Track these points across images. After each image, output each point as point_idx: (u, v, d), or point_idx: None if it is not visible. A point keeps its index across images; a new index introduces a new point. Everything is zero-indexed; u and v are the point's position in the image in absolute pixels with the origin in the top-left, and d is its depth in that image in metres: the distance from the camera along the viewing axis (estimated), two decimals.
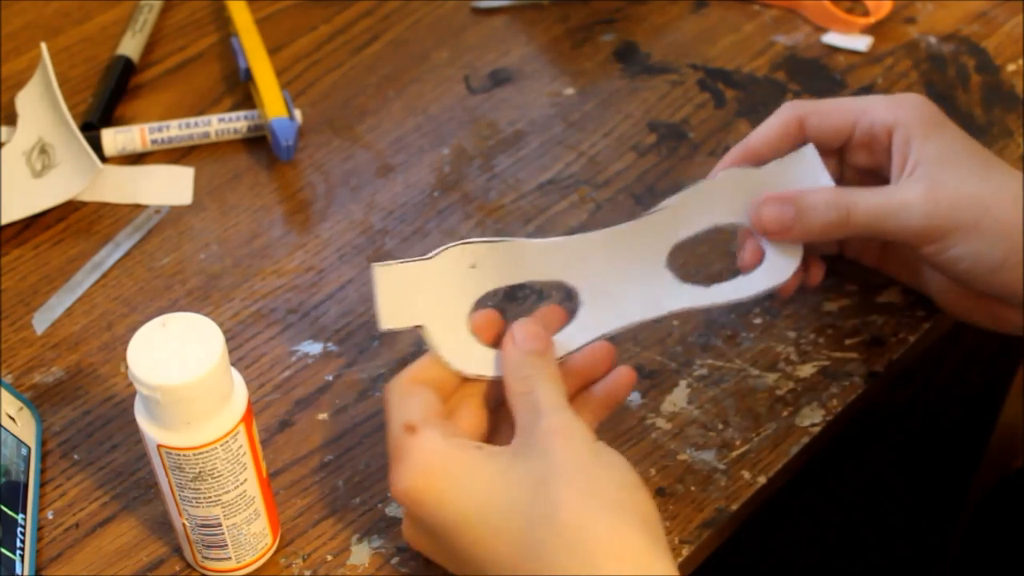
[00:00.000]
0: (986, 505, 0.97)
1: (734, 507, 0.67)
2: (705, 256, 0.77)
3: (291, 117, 0.82)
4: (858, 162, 0.71)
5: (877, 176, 0.70)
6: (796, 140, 0.70)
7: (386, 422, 0.62)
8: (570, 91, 0.87)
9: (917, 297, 0.75)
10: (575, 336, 0.66)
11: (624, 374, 0.66)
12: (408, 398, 0.62)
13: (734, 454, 0.69)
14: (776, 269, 0.68)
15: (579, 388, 0.66)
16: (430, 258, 0.64)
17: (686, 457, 0.69)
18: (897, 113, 0.68)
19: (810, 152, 0.69)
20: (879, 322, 0.74)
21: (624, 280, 0.66)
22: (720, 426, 0.70)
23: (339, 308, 0.76)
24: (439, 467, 0.59)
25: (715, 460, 0.69)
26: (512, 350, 0.63)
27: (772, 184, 0.68)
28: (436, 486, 0.59)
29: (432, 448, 0.60)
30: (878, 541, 1.06)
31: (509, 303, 0.75)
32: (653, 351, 0.73)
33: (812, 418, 0.71)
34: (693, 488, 0.68)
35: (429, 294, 0.64)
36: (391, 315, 0.63)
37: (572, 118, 0.85)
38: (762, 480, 0.68)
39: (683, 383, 0.72)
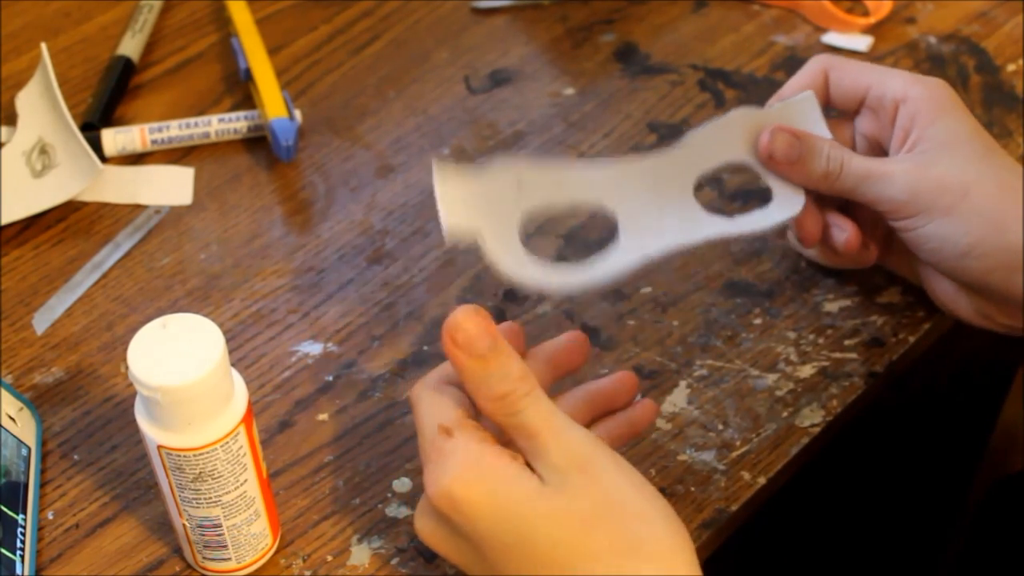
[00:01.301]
0: (986, 505, 0.97)
1: (734, 508, 0.67)
2: (704, 257, 0.77)
3: (291, 117, 0.82)
4: (864, 128, 0.71)
5: (878, 147, 0.71)
6: (823, 92, 0.71)
7: (417, 422, 0.61)
8: (570, 91, 0.87)
9: (917, 297, 0.75)
10: (617, 258, 0.67)
11: (647, 406, 0.66)
12: (440, 397, 0.61)
13: (734, 454, 0.69)
14: (786, 202, 0.69)
15: (602, 414, 0.66)
16: (483, 171, 0.66)
17: (686, 458, 0.69)
18: (910, 89, 0.69)
19: (810, 100, 0.70)
20: (879, 322, 0.74)
21: (660, 206, 0.68)
22: (720, 426, 0.70)
23: (339, 308, 0.76)
24: (477, 476, 0.57)
25: (715, 460, 0.69)
26: (463, 359, 0.57)
27: (776, 120, 0.70)
28: (474, 495, 0.57)
29: (469, 454, 0.58)
30: (878, 541, 1.06)
31: (509, 303, 0.75)
32: (653, 351, 0.73)
33: (812, 418, 0.71)
34: (693, 489, 0.68)
35: (481, 204, 0.65)
36: (453, 215, 0.65)
37: (572, 118, 0.85)
38: (762, 480, 0.68)
39: (683, 383, 0.72)
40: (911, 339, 0.74)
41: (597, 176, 0.68)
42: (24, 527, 0.66)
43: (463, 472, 0.58)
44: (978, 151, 0.67)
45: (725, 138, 0.70)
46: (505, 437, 0.61)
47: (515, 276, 0.66)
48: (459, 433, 0.59)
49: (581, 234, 0.79)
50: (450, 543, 0.60)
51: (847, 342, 0.73)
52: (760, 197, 0.71)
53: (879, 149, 0.71)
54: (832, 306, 0.75)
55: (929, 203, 0.66)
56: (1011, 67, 0.86)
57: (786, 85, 0.72)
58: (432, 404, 0.61)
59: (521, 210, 0.67)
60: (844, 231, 0.70)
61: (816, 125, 0.70)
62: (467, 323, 0.57)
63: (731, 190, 0.80)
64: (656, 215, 0.68)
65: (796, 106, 0.70)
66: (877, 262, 0.74)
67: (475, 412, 0.61)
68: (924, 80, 0.69)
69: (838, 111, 0.73)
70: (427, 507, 0.60)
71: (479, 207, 0.66)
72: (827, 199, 0.70)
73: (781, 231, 0.73)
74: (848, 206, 0.71)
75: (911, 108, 0.68)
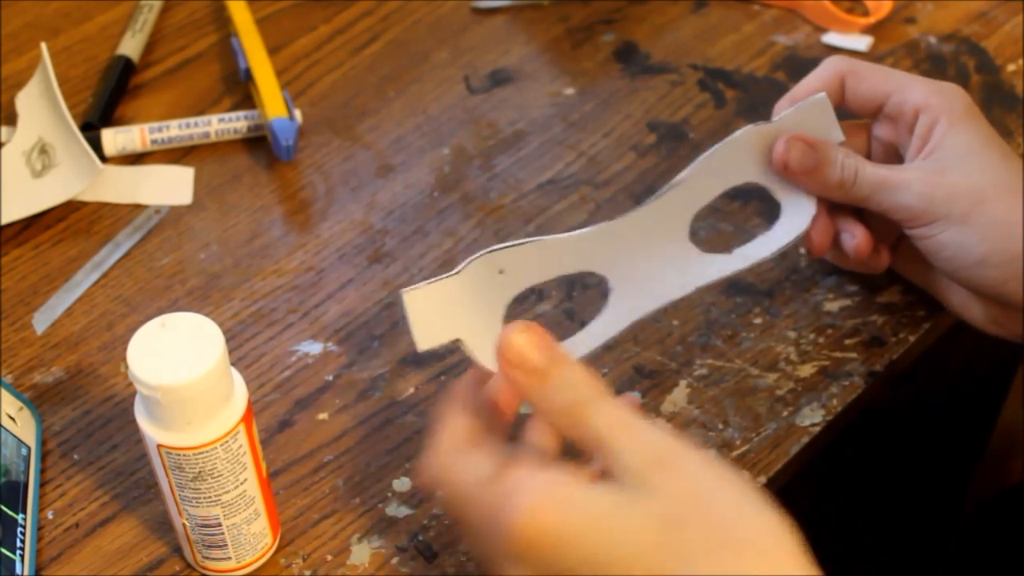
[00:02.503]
0: (986, 506, 0.97)
1: None
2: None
3: (291, 117, 0.82)
4: (881, 134, 0.71)
5: (895, 153, 0.71)
6: (838, 96, 0.70)
7: (455, 482, 0.55)
8: (570, 91, 0.87)
9: (917, 297, 0.75)
10: (609, 325, 0.66)
11: (631, 402, 0.66)
12: (468, 459, 0.55)
13: (734, 454, 0.69)
14: (793, 221, 0.69)
15: None
16: (457, 273, 0.62)
17: None
18: (930, 98, 0.68)
19: (823, 103, 0.69)
20: (879, 322, 0.74)
21: (652, 262, 0.66)
22: (720, 426, 0.70)
23: (339, 308, 0.76)
24: (553, 502, 0.52)
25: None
26: (521, 377, 0.55)
27: (790, 128, 0.69)
28: (556, 520, 0.51)
29: (535, 482, 0.52)
30: (878, 541, 1.06)
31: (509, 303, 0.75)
32: (653, 351, 0.73)
33: (812, 418, 0.71)
34: None
35: (461, 308, 0.62)
36: (426, 336, 0.61)
37: (572, 118, 0.85)
38: (762, 480, 0.68)
39: (683, 383, 0.72)
40: (911, 339, 0.74)
41: (582, 244, 0.65)
42: (24, 527, 0.66)
43: (538, 502, 0.52)
44: (994, 160, 0.67)
45: (731, 161, 0.68)
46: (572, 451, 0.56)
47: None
48: (515, 465, 0.53)
49: None
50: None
51: (847, 342, 0.73)
52: (759, 197, 0.71)
53: (895, 155, 0.71)
54: (832, 306, 0.75)
55: (944, 211, 0.66)
56: (1011, 67, 0.86)
57: (798, 86, 0.71)
58: (468, 458, 0.55)
59: (505, 300, 0.64)
60: (855, 237, 0.70)
61: (830, 128, 0.69)
62: (518, 340, 0.54)
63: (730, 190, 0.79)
64: (647, 273, 0.66)
65: (809, 110, 0.69)
66: (890, 267, 0.74)
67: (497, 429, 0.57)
68: (944, 89, 0.69)
69: (853, 115, 0.72)
70: (509, 560, 0.53)
71: (458, 314, 0.62)
72: (840, 204, 0.70)
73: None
74: (861, 211, 0.71)
75: (930, 116, 0.68)
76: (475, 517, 0.54)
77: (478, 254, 0.63)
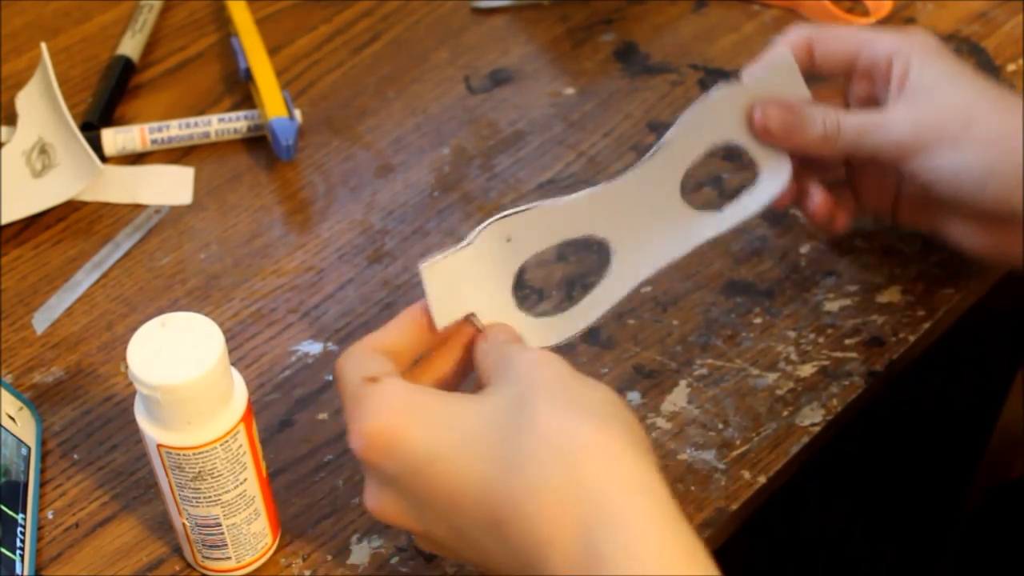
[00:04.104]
0: (985, 506, 0.97)
1: (734, 507, 0.67)
2: (704, 256, 0.77)
3: (291, 117, 0.82)
4: (860, 92, 0.71)
5: (875, 107, 0.71)
6: (805, 64, 0.70)
7: (339, 385, 0.59)
8: (570, 91, 0.87)
9: (917, 297, 0.75)
10: (613, 288, 0.66)
11: None
12: (367, 360, 0.59)
13: (734, 454, 0.69)
14: (772, 178, 0.69)
15: None
16: (469, 243, 0.62)
17: (686, 457, 0.69)
18: (900, 44, 0.69)
19: (790, 64, 0.69)
20: (879, 322, 0.74)
21: (650, 222, 0.66)
22: (720, 426, 0.70)
23: (339, 308, 0.76)
24: (408, 406, 0.56)
25: (715, 460, 0.69)
26: (484, 343, 0.61)
27: (759, 92, 0.69)
28: (405, 424, 0.55)
29: (399, 391, 0.56)
30: (878, 541, 1.06)
31: None
32: (653, 351, 0.73)
33: (812, 418, 0.71)
34: (693, 488, 0.68)
35: (473, 280, 0.62)
36: (444, 312, 0.62)
37: (572, 118, 0.85)
38: (762, 480, 0.68)
39: (683, 383, 0.72)
40: (911, 339, 0.74)
41: (583, 207, 0.65)
42: (24, 526, 0.66)
43: (389, 408, 0.56)
44: (974, 82, 0.67)
45: (709, 122, 0.68)
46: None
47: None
48: (386, 379, 0.57)
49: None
50: (392, 499, 0.57)
51: (847, 341, 0.73)
52: (734, 159, 0.70)
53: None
54: (832, 305, 0.75)
55: (933, 137, 0.66)
56: (1011, 67, 0.86)
57: (765, 55, 0.70)
58: (357, 365, 0.58)
59: (514, 268, 0.64)
60: (814, 201, 0.70)
61: (798, 88, 0.69)
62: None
63: (731, 189, 0.80)
64: (647, 233, 0.66)
65: (776, 71, 0.69)
66: (896, 223, 0.73)
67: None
68: (912, 33, 0.70)
69: (824, 79, 0.72)
70: (367, 475, 0.58)
71: (471, 287, 0.62)
72: (813, 169, 0.70)
73: (782, 230, 0.72)
74: (849, 178, 0.72)
75: (903, 59, 0.68)
76: (344, 415, 0.58)
77: (487, 222, 0.63)
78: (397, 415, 0.56)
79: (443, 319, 0.61)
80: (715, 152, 0.69)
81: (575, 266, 0.76)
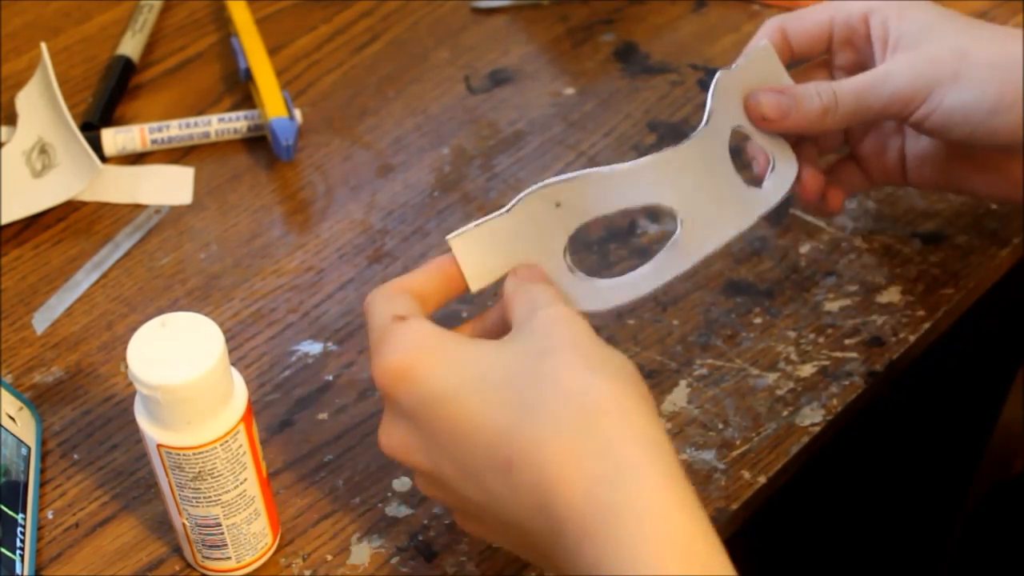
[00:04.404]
0: (985, 505, 0.97)
1: (734, 507, 0.67)
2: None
3: (291, 117, 0.82)
4: (845, 63, 0.70)
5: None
6: (784, 53, 0.70)
7: (369, 322, 0.59)
8: (570, 91, 0.87)
9: (917, 297, 0.75)
10: (676, 260, 0.64)
11: None
12: (396, 300, 0.59)
13: (734, 454, 0.69)
14: (785, 165, 0.68)
15: None
16: (507, 211, 0.62)
17: (686, 457, 0.69)
18: (870, 1, 0.68)
19: (767, 50, 0.69)
20: (879, 322, 0.74)
21: (716, 192, 0.65)
22: (720, 426, 0.70)
23: (339, 308, 0.76)
24: (432, 345, 0.57)
25: (715, 460, 0.69)
26: (513, 278, 0.62)
27: (745, 78, 0.68)
28: (427, 360, 0.56)
29: (425, 331, 0.57)
30: (878, 541, 1.06)
31: None
32: (653, 351, 0.73)
33: (812, 418, 0.71)
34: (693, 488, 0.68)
35: (515, 244, 0.62)
36: (478, 276, 0.62)
37: (572, 118, 0.85)
38: (762, 480, 0.68)
39: (683, 383, 0.72)
40: (911, 339, 0.74)
41: (638, 175, 0.64)
42: (24, 526, 0.66)
43: (415, 344, 0.57)
44: (958, 22, 0.67)
45: (725, 106, 0.67)
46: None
47: (583, 308, 0.63)
48: (414, 319, 0.58)
49: (582, 233, 0.78)
50: (406, 433, 0.58)
51: (847, 341, 0.73)
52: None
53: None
54: (832, 305, 0.75)
55: (934, 79, 0.65)
56: None
57: (744, 51, 0.70)
58: (386, 303, 0.59)
59: (567, 231, 0.63)
60: (802, 179, 0.69)
61: (779, 75, 0.69)
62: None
63: None
64: (714, 203, 0.65)
65: (756, 60, 0.69)
66: (904, 185, 0.73)
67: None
68: None
69: (805, 62, 0.72)
70: (387, 409, 0.59)
71: (513, 250, 0.62)
72: (809, 149, 0.69)
73: (782, 230, 0.72)
74: (852, 154, 0.71)
75: (880, 15, 0.68)
76: (371, 349, 0.59)
77: (530, 189, 0.63)
78: (421, 352, 0.57)
79: (477, 283, 0.62)
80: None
81: (576, 266, 0.76)
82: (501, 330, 0.61)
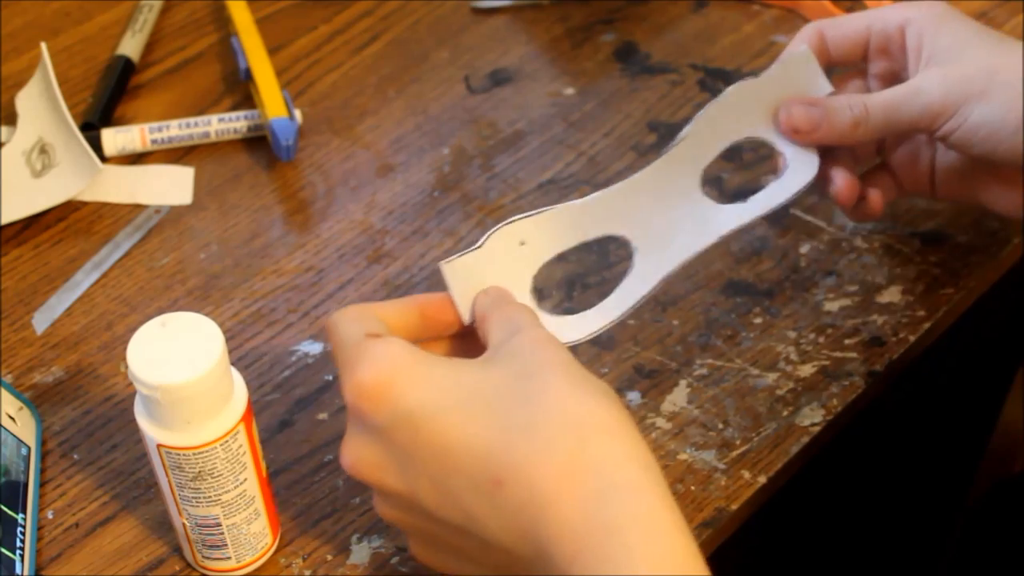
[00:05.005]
0: (985, 506, 0.97)
1: (734, 507, 0.67)
2: (704, 256, 0.77)
3: (291, 117, 0.82)
4: (879, 71, 0.71)
5: (897, 83, 0.70)
6: (823, 58, 0.70)
7: (334, 338, 0.58)
8: (570, 91, 0.87)
9: (917, 297, 0.75)
10: (636, 286, 0.65)
11: None
12: (368, 319, 0.58)
13: (734, 454, 0.69)
14: (800, 170, 0.68)
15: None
16: (479, 246, 0.63)
17: (686, 457, 0.69)
18: (907, 12, 0.69)
19: (806, 54, 0.69)
20: (879, 322, 0.74)
21: (670, 217, 0.66)
22: (720, 426, 0.70)
23: (339, 308, 0.76)
24: (410, 362, 0.55)
25: (715, 460, 0.69)
26: (485, 297, 0.62)
27: (779, 88, 0.69)
28: (406, 377, 0.55)
29: (402, 348, 0.56)
30: (878, 541, 1.06)
31: None
32: (653, 351, 0.73)
33: (812, 418, 0.71)
34: (693, 488, 0.68)
35: (489, 279, 0.63)
36: (468, 307, 0.62)
37: (572, 118, 0.85)
38: (762, 480, 0.68)
39: (683, 383, 0.72)
40: (911, 339, 0.74)
41: (599, 207, 0.65)
42: (24, 526, 0.66)
43: (392, 360, 0.55)
44: (991, 40, 0.67)
45: (729, 118, 0.68)
46: None
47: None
48: (388, 336, 0.57)
49: None
50: (374, 451, 0.56)
51: (847, 341, 0.73)
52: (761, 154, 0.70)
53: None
54: (832, 305, 0.75)
55: (963, 95, 0.65)
56: None
57: (782, 55, 0.71)
58: (357, 322, 0.58)
59: (531, 270, 0.64)
60: (835, 183, 0.69)
61: (818, 78, 0.69)
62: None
63: (731, 189, 0.80)
64: (668, 228, 0.66)
65: (793, 64, 0.69)
66: (937, 198, 0.73)
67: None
68: (920, 2, 0.70)
69: (843, 69, 0.72)
70: (351, 427, 0.57)
71: (487, 284, 0.63)
72: (843, 159, 0.70)
73: (782, 230, 0.72)
74: (884, 163, 0.72)
75: (916, 27, 0.68)
76: (339, 366, 0.57)
77: (497, 226, 0.63)
78: (399, 368, 0.55)
79: (469, 315, 0.62)
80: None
81: (575, 266, 0.76)
82: (471, 348, 0.60)
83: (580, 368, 0.56)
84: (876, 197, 0.70)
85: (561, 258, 0.75)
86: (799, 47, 0.70)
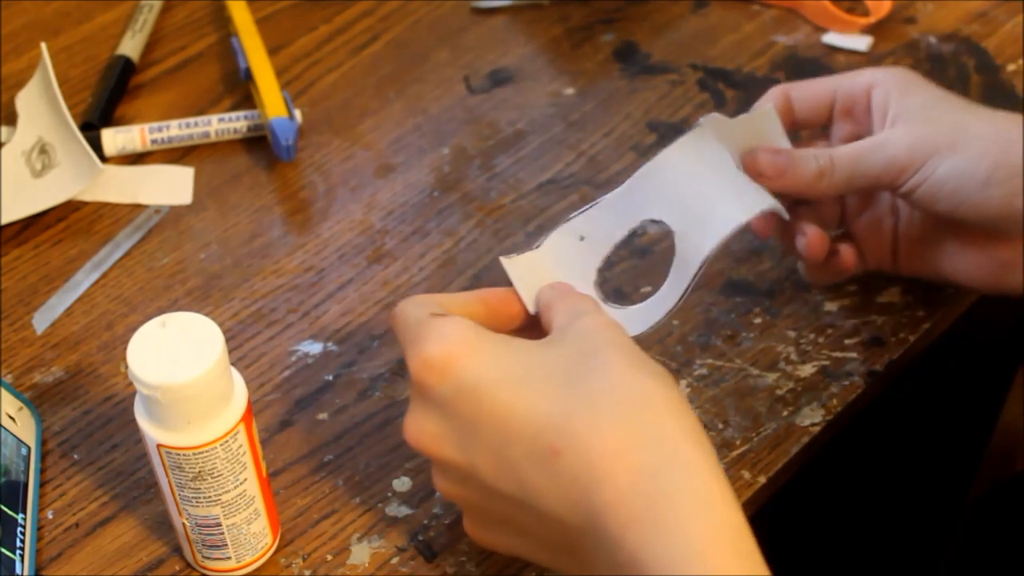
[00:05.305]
0: (985, 505, 0.97)
1: None
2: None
3: (291, 117, 0.82)
4: (844, 135, 0.71)
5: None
6: (787, 118, 0.71)
7: (399, 322, 0.60)
8: (570, 91, 0.87)
9: (917, 297, 0.75)
10: (682, 269, 0.64)
11: None
12: (431, 304, 0.61)
13: (734, 454, 0.69)
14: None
15: None
16: (538, 246, 0.65)
17: None
18: (875, 75, 0.70)
19: (770, 114, 0.70)
20: (879, 321, 0.74)
21: (703, 193, 0.65)
22: (720, 426, 0.70)
23: (339, 308, 0.76)
24: (473, 337, 0.58)
25: None
26: (551, 289, 0.64)
27: (744, 133, 0.69)
28: (469, 351, 0.57)
29: (466, 325, 0.58)
30: (878, 540, 1.06)
31: None
32: (653, 351, 0.73)
33: (812, 418, 0.71)
34: None
35: (555, 275, 0.65)
36: (533, 298, 0.64)
37: (572, 118, 0.85)
38: (762, 480, 0.68)
39: (683, 383, 0.72)
40: (911, 339, 0.74)
41: (637, 191, 0.65)
42: (24, 526, 0.66)
43: (459, 335, 0.57)
44: (957, 102, 0.68)
45: (701, 151, 0.67)
46: None
47: None
48: (454, 316, 0.59)
49: None
50: (437, 422, 0.58)
51: (847, 341, 0.73)
52: None
53: None
54: (832, 305, 0.75)
55: (932, 148, 0.65)
56: (1011, 67, 0.86)
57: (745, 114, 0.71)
58: (422, 305, 0.60)
59: (595, 263, 0.65)
60: (805, 235, 0.69)
61: (780, 138, 0.70)
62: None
63: None
64: (702, 206, 0.64)
65: (758, 119, 0.70)
66: (892, 271, 0.73)
67: None
68: (888, 67, 0.71)
69: (806, 133, 0.73)
70: (415, 401, 0.59)
71: (551, 278, 0.65)
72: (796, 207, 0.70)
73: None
74: (848, 232, 0.72)
75: (883, 89, 0.69)
76: (404, 345, 0.59)
77: (556, 227, 0.66)
78: (464, 342, 0.57)
79: (534, 306, 0.64)
80: None
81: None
82: (530, 337, 0.61)
83: (640, 351, 0.58)
84: (848, 251, 0.70)
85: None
86: (764, 105, 0.70)
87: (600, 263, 0.66)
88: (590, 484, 0.53)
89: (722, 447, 0.69)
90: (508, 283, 0.65)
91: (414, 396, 0.59)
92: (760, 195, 0.65)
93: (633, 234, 0.66)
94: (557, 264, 0.65)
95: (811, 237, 0.69)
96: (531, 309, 0.64)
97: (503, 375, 0.56)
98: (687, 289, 0.64)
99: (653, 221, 0.65)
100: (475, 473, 0.57)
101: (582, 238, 0.65)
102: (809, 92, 0.71)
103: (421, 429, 0.59)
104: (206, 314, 0.63)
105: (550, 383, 0.56)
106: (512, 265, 0.64)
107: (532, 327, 0.64)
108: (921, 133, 0.66)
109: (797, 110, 0.71)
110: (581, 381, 0.55)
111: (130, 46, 0.88)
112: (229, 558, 0.64)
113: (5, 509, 0.65)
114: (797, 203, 0.69)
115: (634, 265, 0.77)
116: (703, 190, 0.65)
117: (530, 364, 0.57)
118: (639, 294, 0.75)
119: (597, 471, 0.53)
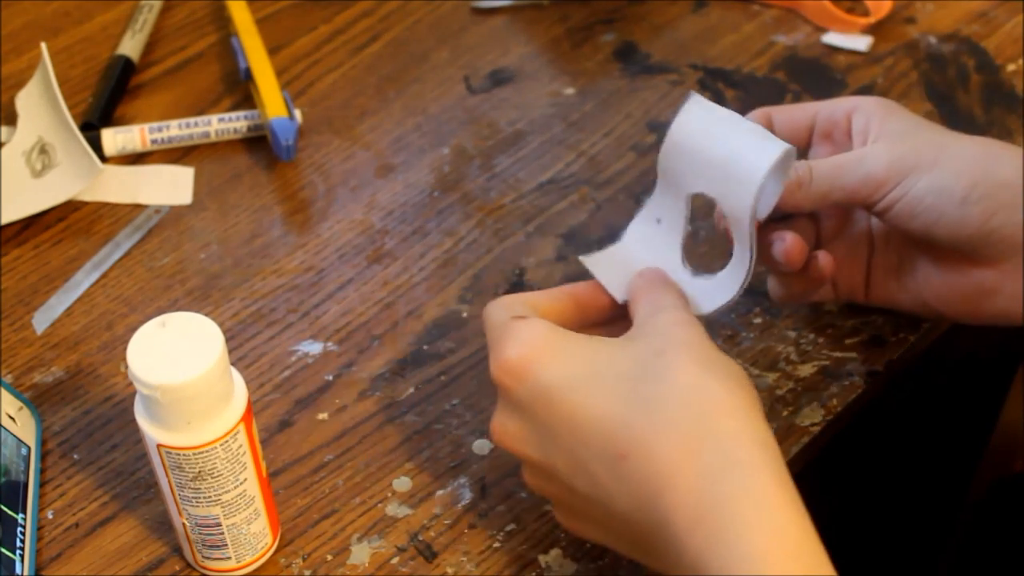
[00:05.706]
0: (985, 505, 0.97)
1: None
2: (705, 256, 0.77)
3: (291, 117, 0.82)
4: (819, 154, 0.71)
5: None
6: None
7: (487, 323, 0.62)
8: (570, 91, 0.87)
9: None
10: (740, 239, 0.63)
11: None
12: (516, 305, 0.62)
13: None
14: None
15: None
16: (621, 240, 0.66)
17: None
18: (856, 101, 0.70)
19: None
20: (879, 322, 0.74)
21: (724, 156, 0.63)
22: None
23: (339, 308, 0.76)
24: (550, 339, 0.59)
25: None
26: (640, 278, 0.65)
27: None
28: (545, 354, 0.58)
29: (543, 327, 0.60)
30: (879, 540, 1.06)
31: None
32: None
33: (812, 418, 0.71)
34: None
35: (640, 261, 0.65)
36: (621, 290, 0.65)
37: (572, 118, 0.85)
38: None
39: None
40: (911, 339, 0.74)
41: (670, 164, 0.64)
42: (24, 526, 0.66)
43: (535, 338, 0.59)
44: (940, 128, 0.68)
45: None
46: None
47: (701, 311, 0.64)
48: (533, 318, 0.60)
49: (582, 232, 0.79)
50: (520, 424, 0.60)
51: (847, 341, 0.73)
52: None
53: None
54: (832, 306, 0.75)
55: (912, 164, 0.65)
56: (1011, 67, 0.86)
57: None
58: (507, 307, 0.62)
59: (677, 242, 0.65)
60: (783, 241, 0.67)
61: None
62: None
63: None
64: (727, 165, 0.63)
65: None
66: (864, 300, 0.72)
67: None
68: (869, 96, 0.71)
69: None
70: (500, 402, 0.61)
71: (636, 266, 0.65)
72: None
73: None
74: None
75: (865, 113, 0.69)
76: (489, 347, 0.61)
77: (635, 216, 0.66)
78: (539, 346, 0.59)
79: (622, 295, 0.65)
80: None
81: (575, 266, 0.76)
82: (622, 328, 0.63)
83: (712, 349, 0.58)
84: (826, 258, 0.68)
85: (560, 258, 0.75)
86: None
87: (681, 239, 0.65)
88: (655, 488, 0.54)
89: None
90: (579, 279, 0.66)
91: (499, 397, 0.61)
92: (775, 141, 0.63)
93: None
94: (644, 250, 0.66)
95: (790, 242, 0.67)
96: (619, 299, 0.65)
97: (575, 377, 0.58)
98: (751, 248, 0.63)
99: (698, 196, 0.64)
100: (555, 472, 0.59)
101: (659, 220, 0.66)
102: (790, 115, 0.71)
103: (504, 429, 0.61)
104: (206, 314, 0.63)
105: (620, 384, 0.57)
106: (593, 262, 0.65)
107: (625, 316, 0.64)
108: (901, 150, 0.66)
109: (778, 132, 0.71)
110: (646, 383, 0.57)
111: (130, 46, 0.88)
112: (229, 558, 0.64)
113: (5, 509, 0.65)
114: (772, 221, 0.68)
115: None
116: (722, 152, 0.63)
117: (603, 364, 0.58)
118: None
119: (660, 475, 0.54)
